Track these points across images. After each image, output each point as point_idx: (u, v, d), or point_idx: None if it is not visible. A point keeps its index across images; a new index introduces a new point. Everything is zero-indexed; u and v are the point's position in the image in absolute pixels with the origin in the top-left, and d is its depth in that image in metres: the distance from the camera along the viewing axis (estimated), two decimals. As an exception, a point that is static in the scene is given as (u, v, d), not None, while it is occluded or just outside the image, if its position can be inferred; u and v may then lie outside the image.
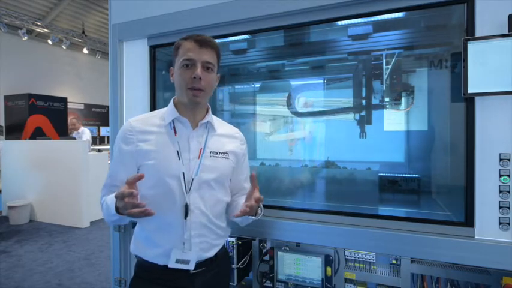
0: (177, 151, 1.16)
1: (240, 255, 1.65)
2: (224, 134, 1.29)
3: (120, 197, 1.00)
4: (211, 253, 1.22)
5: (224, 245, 1.33)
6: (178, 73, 1.16)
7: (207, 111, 1.26)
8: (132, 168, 1.17)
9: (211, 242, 1.22)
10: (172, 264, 1.13)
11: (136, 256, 1.25)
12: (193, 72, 1.12)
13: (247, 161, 1.39)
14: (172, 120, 1.20)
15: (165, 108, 1.26)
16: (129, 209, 0.99)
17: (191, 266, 1.14)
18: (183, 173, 1.15)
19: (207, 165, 1.19)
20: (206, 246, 1.20)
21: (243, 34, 1.77)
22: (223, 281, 1.32)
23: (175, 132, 1.19)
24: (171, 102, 1.24)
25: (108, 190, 1.20)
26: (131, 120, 1.22)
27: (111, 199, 1.10)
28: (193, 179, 1.16)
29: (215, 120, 1.29)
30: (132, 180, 1.01)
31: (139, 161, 1.16)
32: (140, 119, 1.22)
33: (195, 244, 1.16)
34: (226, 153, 1.25)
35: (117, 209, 1.06)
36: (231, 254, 1.60)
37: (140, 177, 1.01)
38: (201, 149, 1.20)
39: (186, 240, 1.15)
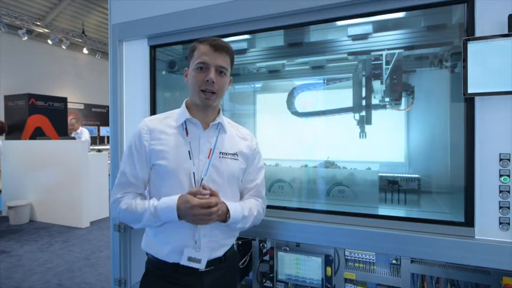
0: (189, 151, 1.19)
1: (240, 255, 1.65)
2: (235, 135, 1.31)
3: (203, 210, 1.07)
4: (220, 252, 1.23)
5: (233, 245, 1.34)
6: (193, 75, 1.19)
7: (218, 113, 1.28)
8: (146, 166, 1.20)
9: (220, 241, 1.23)
10: (184, 262, 1.15)
11: (147, 253, 1.26)
12: (207, 76, 1.15)
13: (260, 162, 1.37)
14: (185, 122, 1.22)
15: (178, 109, 1.28)
16: (206, 219, 1.09)
17: (202, 266, 1.16)
18: (193, 173, 1.17)
19: (216, 165, 1.21)
20: (215, 245, 1.21)
21: (243, 34, 1.78)
22: (231, 281, 1.33)
23: (187, 133, 1.22)
24: (183, 104, 1.27)
25: (123, 189, 1.20)
26: (146, 119, 1.24)
27: (163, 206, 1.11)
28: (202, 179, 1.18)
29: (226, 121, 1.31)
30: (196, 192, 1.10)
31: (152, 161, 1.18)
32: (155, 119, 1.25)
33: (204, 243, 1.18)
34: (235, 154, 1.26)
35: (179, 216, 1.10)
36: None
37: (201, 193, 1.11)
38: (211, 149, 1.22)
39: (197, 239, 1.17)
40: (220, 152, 1.23)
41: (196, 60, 1.17)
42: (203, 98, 1.18)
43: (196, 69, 1.17)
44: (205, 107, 1.22)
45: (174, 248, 1.17)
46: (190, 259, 1.15)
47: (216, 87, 1.17)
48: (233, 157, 1.26)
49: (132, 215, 1.15)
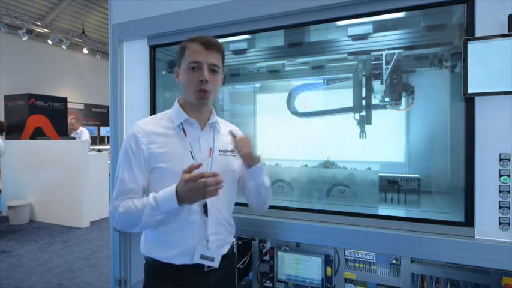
0: (191, 152, 1.18)
1: (240, 255, 1.65)
2: (227, 133, 1.31)
3: (197, 183, 1.00)
4: (224, 250, 1.24)
5: (232, 243, 1.35)
6: (185, 75, 1.17)
7: (211, 111, 1.28)
8: (146, 171, 1.16)
9: (225, 239, 1.24)
10: (197, 260, 1.14)
11: (147, 258, 1.24)
12: (201, 75, 1.14)
13: None
14: (181, 122, 1.21)
15: (170, 110, 1.26)
16: (210, 192, 1.01)
17: (216, 264, 1.17)
18: None
19: (218, 163, 1.22)
20: (221, 243, 1.22)
21: (243, 34, 1.77)
22: (231, 278, 1.35)
23: (185, 133, 1.20)
24: (177, 104, 1.25)
25: (122, 196, 1.14)
26: (139, 122, 1.21)
27: (162, 196, 1.06)
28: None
29: (218, 120, 1.32)
30: (191, 169, 1.03)
31: (152, 164, 1.15)
32: (149, 122, 1.22)
33: (212, 242, 1.18)
34: (233, 150, 1.27)
35: (180, 200, 1.04)
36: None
37: (198, 167, 1.04)
38: (211, 148, 1.22)
39: (207, 237, 1.17)
40: (219, 150, 1.24)
41: (188, 60, 1.15)
42: (198, 98, 1.16)
43: (189, 69, 1.15)
44: (200, 107, 1.21)
45: (182, 251, 1.15)
46: (202, 257, 1.15)
47: (210, 86, 1.16)
48: (232, 153, 1.27)
49: (131, 215, 1.10)
